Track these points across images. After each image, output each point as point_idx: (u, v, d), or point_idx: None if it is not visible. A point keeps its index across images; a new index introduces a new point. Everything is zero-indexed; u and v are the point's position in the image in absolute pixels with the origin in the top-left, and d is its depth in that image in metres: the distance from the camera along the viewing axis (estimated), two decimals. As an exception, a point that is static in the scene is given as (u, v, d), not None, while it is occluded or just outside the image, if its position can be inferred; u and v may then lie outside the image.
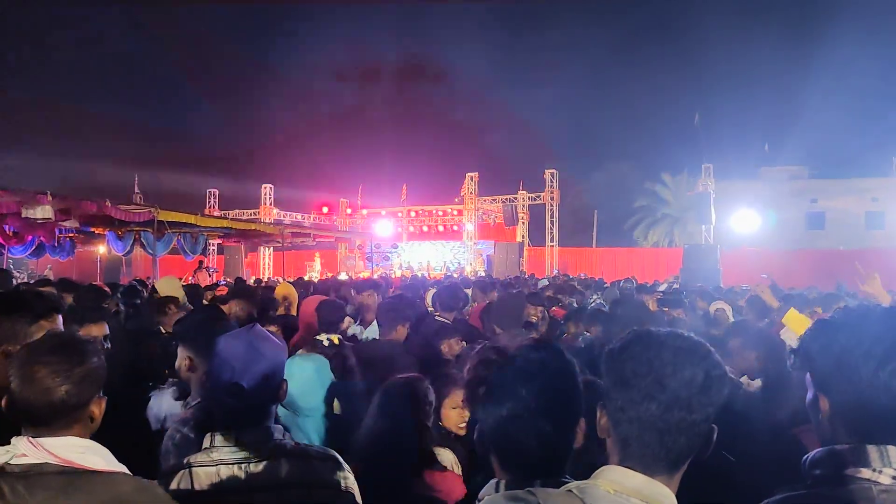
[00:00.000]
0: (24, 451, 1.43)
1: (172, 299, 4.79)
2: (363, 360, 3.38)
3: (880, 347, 1.25)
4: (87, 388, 1.53)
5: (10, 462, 1.42)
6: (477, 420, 1.41)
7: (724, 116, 43.47)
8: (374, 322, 4.84)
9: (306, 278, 16.09)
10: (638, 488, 1.11)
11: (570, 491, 1.13)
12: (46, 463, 1.42)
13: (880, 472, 1.22)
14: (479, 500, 1.34)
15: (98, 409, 1.57)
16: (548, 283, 12.22)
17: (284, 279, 13.91)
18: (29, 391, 1.46)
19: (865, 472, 1.22)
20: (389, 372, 2.63)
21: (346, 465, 1.84)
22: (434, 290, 7.08)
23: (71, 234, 16.96)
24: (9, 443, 1.46)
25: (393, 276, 20.54)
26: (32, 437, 1.45)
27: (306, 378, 3.15)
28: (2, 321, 1.97)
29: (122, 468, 1.53)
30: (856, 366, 1.26)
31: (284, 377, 1.85)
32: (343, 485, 1.79)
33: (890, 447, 1.23)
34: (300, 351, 3.52)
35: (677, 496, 1.17)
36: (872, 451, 1.24)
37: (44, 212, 12.39)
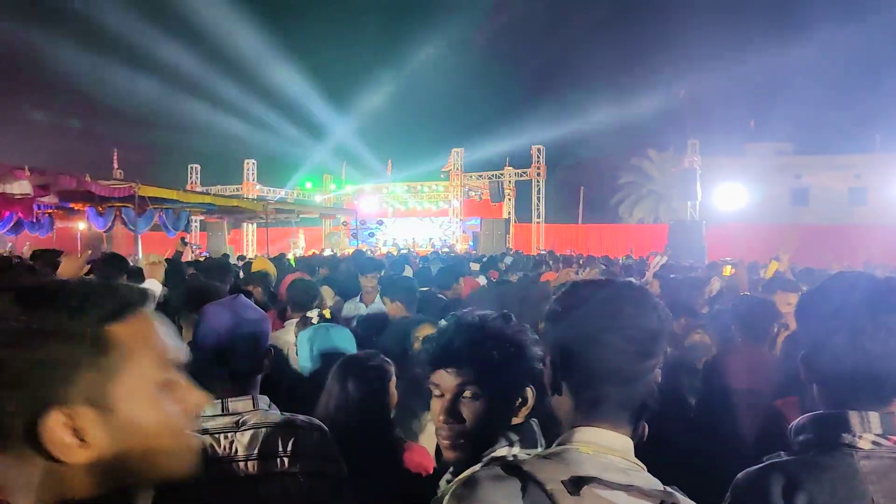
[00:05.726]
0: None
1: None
2: None
3: (847, 311, 1.28)
4: None
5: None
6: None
7: (710, 93, 43.27)
8: (375, 300, 4.82)
9: (289, 256, 15.93)
10: (611, 444, 1.09)
11: (549, 457, 1.07)
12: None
13: (860, 437, 1.23)
14: (450, 472, 1.31)
15: None
16: (512, 259, 12.20)
17: (259, 255, 13.79)
18: None
19: (846, 438, 1.23)
20: None
21: (330, 435, 1.83)
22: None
23: (50, 210, 16.69)
24: None
25: (378, 252, 20.45)
26: None
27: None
28: None
29: None
30: (827, 329, 1.31)
31: (269, 347, 1.86)
32: (330, 453, 1.79)
33: (871, 413, 1.24)
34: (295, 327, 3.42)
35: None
36: (854, 416, 1.25)
37: (21, 187, 12.19)
